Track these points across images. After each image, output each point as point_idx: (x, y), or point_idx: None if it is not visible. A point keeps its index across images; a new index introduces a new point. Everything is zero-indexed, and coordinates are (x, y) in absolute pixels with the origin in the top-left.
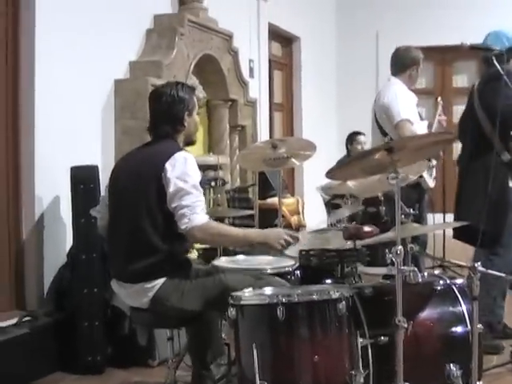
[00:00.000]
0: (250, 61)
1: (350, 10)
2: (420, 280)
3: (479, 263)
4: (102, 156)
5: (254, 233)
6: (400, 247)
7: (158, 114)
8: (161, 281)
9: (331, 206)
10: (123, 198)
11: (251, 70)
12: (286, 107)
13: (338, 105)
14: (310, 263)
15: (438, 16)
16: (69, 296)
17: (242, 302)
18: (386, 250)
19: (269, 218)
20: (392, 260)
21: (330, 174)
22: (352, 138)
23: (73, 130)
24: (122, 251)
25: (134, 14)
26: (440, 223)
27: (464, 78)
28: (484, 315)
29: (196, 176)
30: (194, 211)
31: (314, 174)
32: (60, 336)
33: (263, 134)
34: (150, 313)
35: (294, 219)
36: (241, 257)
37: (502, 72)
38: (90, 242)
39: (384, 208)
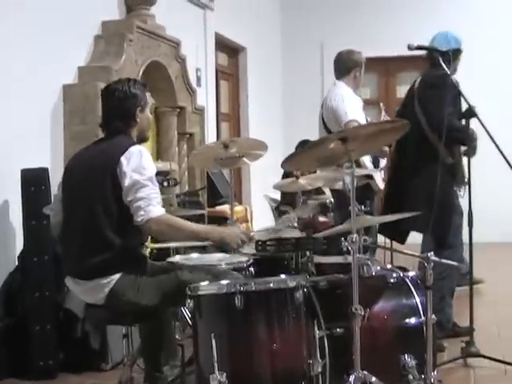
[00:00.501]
0: (197, 70)
1: (294, 21)
2: (373, 273)
3: (432, 253)
4: (51, 161)
5: (211, 229)
6: (355, 235)
7: (111, 109)
8: (116, 276)
9: (279, 212)
10: (77, 193)
11: (198, 78)
12: (232, 117)
13: (284, 114)
14: (267, 253)
15: (382, 26)
16: (20, 300)
17: (200, 292)
18: (342, 239)
19: (218, 225)
20: (347, 248)
21: (286, 163)
22: (303, 145)
23: (21, 136)
24: (76, 247)
25: (82, 20)
26: (391, 215)
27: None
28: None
29: (151, 169)
30: (150, 203)
31: (260, 182)
32: (11, 341)
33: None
34: (105, 309)
35: (242, 227)
36: (194, 255)
37: (448, 71)
38: (41, 244)
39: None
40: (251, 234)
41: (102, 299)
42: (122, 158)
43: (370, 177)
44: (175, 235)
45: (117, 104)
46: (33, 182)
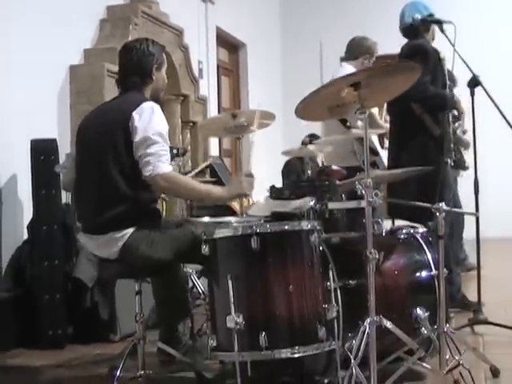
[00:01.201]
0: (199, 62)
1: (294, 19)
2: (384, 230)
3: (443, 203)
4: (58, 135)
5: (217, 189)
6: (369, 179)
7: (128, 66)
8: (130, 230)
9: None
10: (91, 148)
11: (200, 70)
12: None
13: (284, 111)
14: (283, 196)
15: (382, 26)
16: (29, 269)
17: (216, 236)
18: (356, 182)
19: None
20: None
21: (298, 110)
22: (311, 138)
23: (29, 111)
24: (90, 203)
25: (87, 4)
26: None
27: None
28: None
29: (163, 126)
30: (159, 159)
31: (261, 176)
32: (20, 311)
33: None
34: (118, 263)
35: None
36: (206, 218)
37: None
38: (50, 213)
39: None
40: (250, 172)
41: (115, 253)
42: (134, 113)
43: (376, 154)
44: (182, 193)
45: (134, 60)
46: (42, 151)
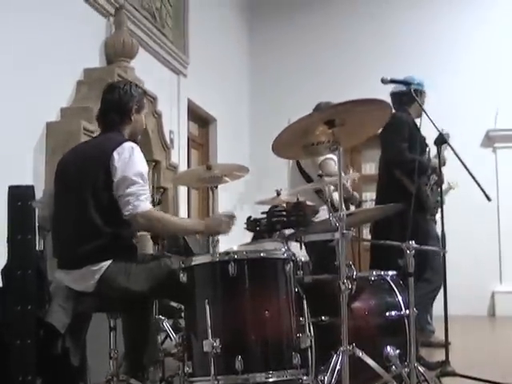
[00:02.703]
0: (171, 132)
1: (263, 97)
2: (355, 273)
3: (413, 241)
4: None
5: (195, 222)
6: (343, 212)
7: (109, 103)
8: (107, 263)
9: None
10: (70, 184)
11: (171, 140)
12: (202, 187)
13: (252, 186)
14: (259, 226)
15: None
16: (1, 314)
17: (194, 263)
18: (330, 214)
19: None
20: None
21: (274, 147)
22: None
23: (7, 161)
24: (68, 237)
25: (64, 65)
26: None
27: (372, 166)
28: None
29: (142, 166)
30: (138, 199)
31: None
32: None
33: (182, 208)
34: (95, 296)
35: None
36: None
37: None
38: (25, 258)
39: None
40: (232, 213)
41: (92, 286)
42: (115, 153)
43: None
44: (161, 229)
45: (116, 98)
46: (19, 197)
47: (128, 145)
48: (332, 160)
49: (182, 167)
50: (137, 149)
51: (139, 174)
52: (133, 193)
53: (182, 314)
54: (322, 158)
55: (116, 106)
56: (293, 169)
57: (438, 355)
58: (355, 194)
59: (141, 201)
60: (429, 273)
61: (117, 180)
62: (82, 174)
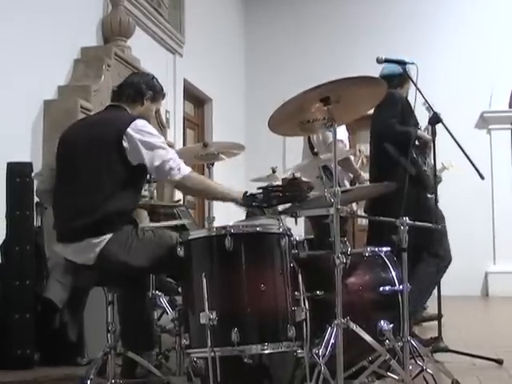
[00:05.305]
0: (167, 111)
1: (259, 76)
2: (349, 250)
3: (407, 218)
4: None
5: (231, 191)
6: (338, 188)
7: (130, 80)
8: (108, 236)
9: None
10: (80, 160)
11: (167, 120)
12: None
13: (246, 166)
14: (256, 200)
15: None
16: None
17: (191, 237)
18: (325, 191)
19: None
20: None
21: (270, 124)
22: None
23: (5, 138)
24: (70, 210)
25: (61, 44)
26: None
27: (367, 147)
28: None
29: (159, 135)
30: (177, 163)
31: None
32: None
33: None
34: (95, 269)
35: None
36: None
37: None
38: (24, 234)
39: None
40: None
41: (92, 259)
42: (129, 129)
43: None
44: (204, 192)
45: (137, 80)
46: (18, 173)
47: (141, 121)
48: (341, 142)
49: (178, 147)
50: (148, 123)
51: (163, 141)
52: (170, 158)
53: (179, 290)
54: (331, 139)
55: (136, 84)
56: (305, 148)
57: (431, 333)
58: (363, 174)
59: (181, 163)
60: (441, 250)
61: (148, 152)
62: (94, 146)
